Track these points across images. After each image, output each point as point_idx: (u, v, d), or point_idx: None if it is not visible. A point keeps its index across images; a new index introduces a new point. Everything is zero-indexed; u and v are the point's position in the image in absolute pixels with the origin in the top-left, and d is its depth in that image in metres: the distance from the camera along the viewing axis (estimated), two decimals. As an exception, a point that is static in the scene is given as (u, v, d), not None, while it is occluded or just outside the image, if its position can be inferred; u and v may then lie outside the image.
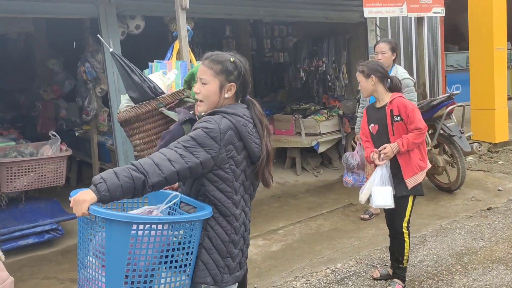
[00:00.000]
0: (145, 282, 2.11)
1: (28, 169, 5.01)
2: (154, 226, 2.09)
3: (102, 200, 2.01)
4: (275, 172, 7.82)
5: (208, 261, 2.31)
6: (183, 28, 4.42)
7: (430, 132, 6.18)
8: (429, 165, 3.96)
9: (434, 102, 6.25)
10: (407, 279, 4.12)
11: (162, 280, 2.16)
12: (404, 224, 3.86)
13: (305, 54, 8.96)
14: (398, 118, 3.74)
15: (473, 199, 6.17)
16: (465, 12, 8.80)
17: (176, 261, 2.18)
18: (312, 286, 4.17)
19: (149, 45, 8.60)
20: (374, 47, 5.50)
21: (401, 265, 3.95)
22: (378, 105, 3.89)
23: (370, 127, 3.92)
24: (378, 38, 7.60)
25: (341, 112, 7.90)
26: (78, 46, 7.67)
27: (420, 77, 7.87)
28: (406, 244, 3.89)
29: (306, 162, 7.93)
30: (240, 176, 2.35)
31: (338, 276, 4.31)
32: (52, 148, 5.29)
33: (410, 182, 3.77)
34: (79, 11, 5.21)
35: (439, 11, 7.16)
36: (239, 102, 2.46)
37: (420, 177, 3.80)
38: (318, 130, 7.67)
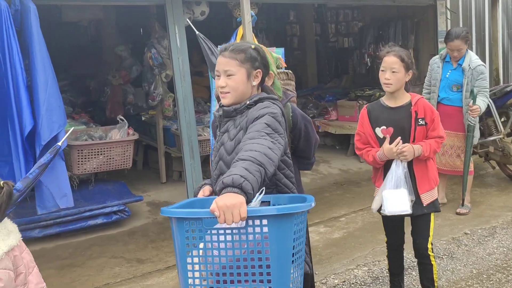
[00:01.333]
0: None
1: (98, 152, 5.21)
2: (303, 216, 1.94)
3: (248, 200, 1.86)
4: (338, 159, 7.74)
5: None
6: (247, 13, 4.41)
7: (503, 119, 5.94)
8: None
9: (508, 89, 6.00)
10: (474, 271, 3.97)
11: (292, 276, 1.97)
12: (429, 246, 3.33)
13: (370, 39, 8.73)
14: (423, 122, 3.22)
15: (548, 191, 5.87)
16: (544, -8, 8.31)
17: (297, 252, 1.98)
18: (374, 275, 4.11)
19: (213, 31, 8.67)
20: (446, 41, 5.07)
21: None
22: (392, 105, 3.28)
23: (377, 131, 3.29)
24: (449, 22, 7.30)
25: (407, 98, 7.68)
26: (145, 33, 7.84)
27: (493, 62, 7.52)
28: (434, 269, 3.35)
29: (370, 149, 7.79)
30: None
31: (402, 266, 4.22)
32: (120, 132, 5.48)
33: (426, 198, 3.24)
34: (146, -2, 5.34)
35: (516, -8, 6.80)
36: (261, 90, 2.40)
37: (436, 192, 3.30)
38: (382, 117, 7.49)
